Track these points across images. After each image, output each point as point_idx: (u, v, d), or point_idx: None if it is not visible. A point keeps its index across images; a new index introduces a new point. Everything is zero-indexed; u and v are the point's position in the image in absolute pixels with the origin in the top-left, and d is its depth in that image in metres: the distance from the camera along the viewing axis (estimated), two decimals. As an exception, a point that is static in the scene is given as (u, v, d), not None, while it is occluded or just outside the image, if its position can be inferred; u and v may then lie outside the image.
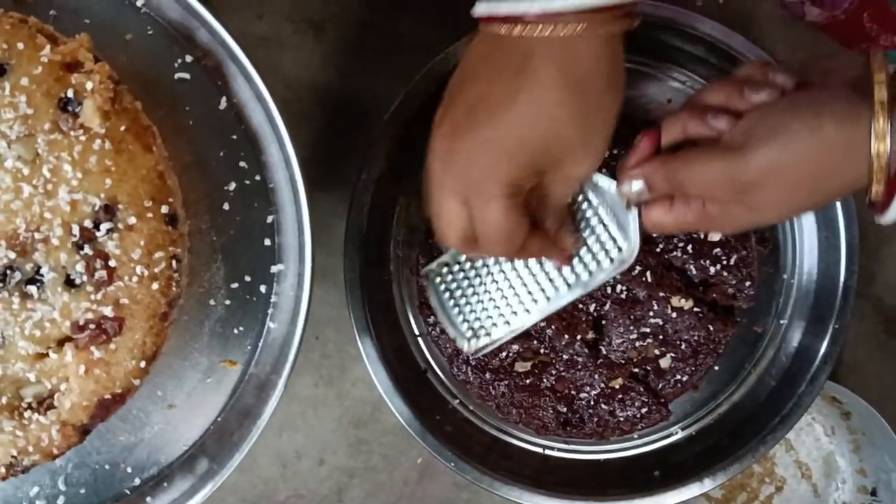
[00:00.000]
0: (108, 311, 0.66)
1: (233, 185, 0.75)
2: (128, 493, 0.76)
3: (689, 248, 0.91)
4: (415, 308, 0.95)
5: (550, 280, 0.79)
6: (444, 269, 0.85)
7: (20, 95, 0.64)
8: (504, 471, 0.92)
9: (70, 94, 0.65)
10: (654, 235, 0.89)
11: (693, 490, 0.90)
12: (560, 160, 0.67)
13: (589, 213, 0.76)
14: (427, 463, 1.01)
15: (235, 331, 0.76)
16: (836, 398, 0.98)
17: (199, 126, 0.74)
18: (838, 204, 0.88)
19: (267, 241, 0.76)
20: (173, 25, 0.74)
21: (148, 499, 0.75)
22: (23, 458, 0.67)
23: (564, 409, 0.92)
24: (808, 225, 0.92)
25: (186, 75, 0.74)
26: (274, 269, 0.76)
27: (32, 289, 0.66)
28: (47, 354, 0.67)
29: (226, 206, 0.75)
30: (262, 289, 0.76)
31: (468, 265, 0.85)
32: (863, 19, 0.95)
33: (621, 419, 0.92)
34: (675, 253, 0.90)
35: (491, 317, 0.82)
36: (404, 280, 0.95)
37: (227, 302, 0.76)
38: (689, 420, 0.95)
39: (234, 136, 0.75)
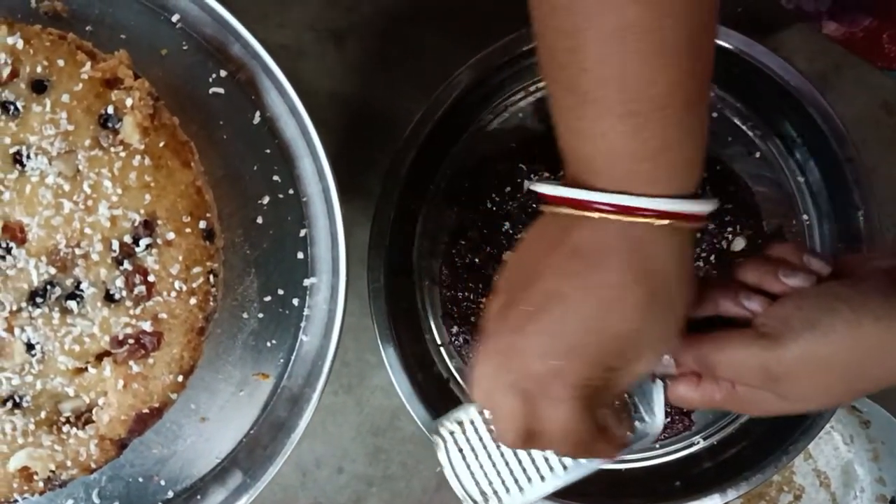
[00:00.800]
0: (146, 325, 0.67)
1: (266, 199, 0.75)
2: (161, 505, 0.76)
3: (712, 258, 0.91)
4: (437, 317, 0.95)
5: None
6: (457, 427, 0.83)
7: (61, 112, 0.65)
8: None
9: (110, 110, 0.66)
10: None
11: (715, 500, 0.90)
12: (631, 358, 0.64)
13: None
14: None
15: (268, 344, 0.76)
16: (856, 407, 0.99)
17: (232, 140, 0.75)
18: (860, 217, 0.89)
19: (300, 255, 0.76)
20: (208, 40, 0.74)
21: (182, 511, 0.76)
22: (61, 472, 0.68)
23: (586, 418, 0.92)
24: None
25: (221, 90, 0.74)
26: (307, 282, 0.76)
27: (72, 304, 0.66)
28: (86, 369, 0.67)
29: (259, 220, 0.76)
30: (295, 302, 0.76)
31: (483, 426, 0.83)
32: (882, 40, 0.96)
33: (642, 431, 0.92)
34: (698, 262, 0.90)
35: (504, 481, 0.81)
36: (426, 290, 0.96)
37: (260, 315, 0.76)
38: (711, 430, 0.96)
39: (268, 150, 0.75)
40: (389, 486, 1.04)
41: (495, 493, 0.81)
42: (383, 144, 0.97)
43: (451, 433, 0.82)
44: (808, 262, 0.66)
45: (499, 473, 0.80)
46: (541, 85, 0.96)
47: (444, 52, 0.98)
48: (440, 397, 0.94)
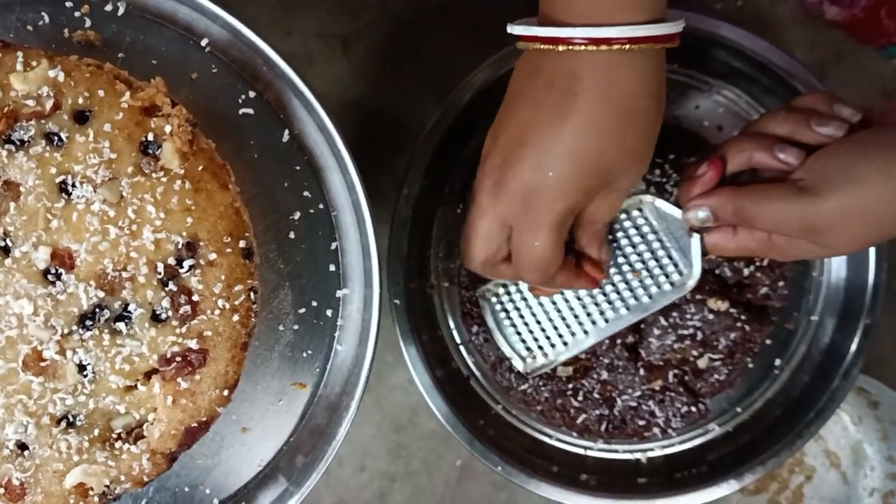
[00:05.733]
0: (193, 343, 0.69)
1: (297, 214, 0.78)
2: (208, 514, 0.78)
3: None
4: (457, 317, 0.97)
5: (610, 303, 0.81)
6: (501, 290, 0.87)
7: (103, 141, 0.67)
8: (543, 472, 0.95)
9: (150, 137, 0.68)
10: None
11: (732, 485, 0.93)
12: (611, 179, 0.68)
13: (651, 238, 0.78)
14: (466, 465, 1.04)
15: (304, 354, 0.79)
16: (864, 388, 1.01)
17: (263, 159, 0.77)
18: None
19: (332, 267, 0.78)
20: (236, 62, 0.76)
21: (230, 518, 0.78)
22: (115, 486, 0.70)
23: (606, 412, 0.95)
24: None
25: (250, 110, 0.76)
26: (339, 293, 0.78)
27: (121, 325, 0.68)
28: (136, 387, 0.69)
29: (291, 235, 0.78)
30: (329, 313, 0.78)
31: (525, 287, 0.87)
32: (880, 16, 0.98)
33: (661, 419, 0.95)
34: (708, 256, 0.92)
35: (549, 337, 0.84)
36: (445, 290, 0.98)
37: (296, 327, 0.78)
38: (726, 417, 0.98)
39: (297, 167, 0.78)
40: (411, 481, 1.06)
41: (540, 348, 0.85)
42: (394, 148, 0.99)
43: (496, 295, 0.85)
44: (839, 111, 0.68)
45: (543, 330, 0.85)
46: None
47: (451, 55, 1.00)
48: (459, 393, 0.96)
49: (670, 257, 0.79)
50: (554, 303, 0.86)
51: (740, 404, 0.99)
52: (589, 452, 0.99)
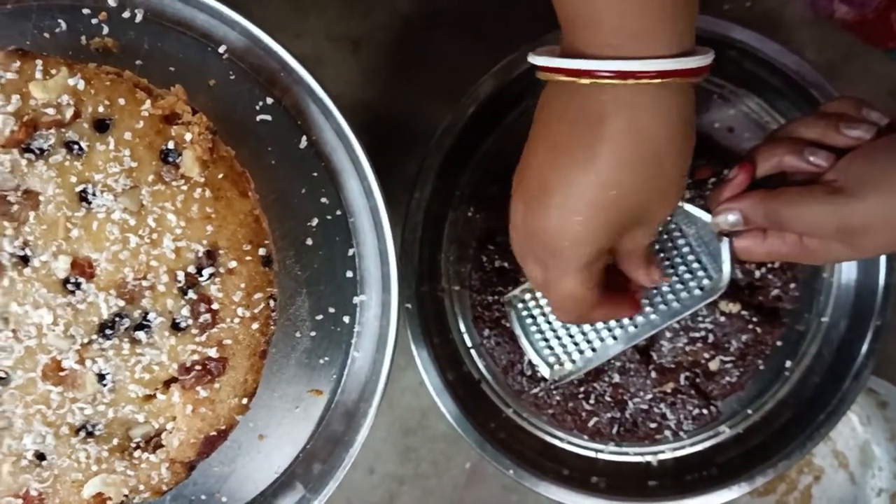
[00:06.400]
0: (212, 352, 0.69)
1: (315, 221, 0.78)
2: (224, 521, 0.78)
3: (735, 253, 0.93)
4: (468, 321, 0.97)
5: None
6: (528, 296, 0.87)
7: (124, 149, 0.66)
8: (554, 475, 0.95)
9: (170, 145, 0.67)
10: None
11: (743, 488, 0.93)
12: (641, 217, 0.66)
13: (680, 242, 0.78)
14: (475, 468, 1.04)
15: (321, 361, 0.79)
16: (873, 389, 1.01)
17: (280, 165, 0.77)
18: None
19: (349, 273, 0.78)
20: (254, 69, 0.76)
21: (244, 526, 0.78)
22: (134, 496, 0.70)
23: (618, 415, 0.95)
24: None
25: (268, 117, 0.76)
26: (356, 300, 0.78)
27: (141, 334, 0.68)
28: (154, 396, 0.69)
29: (309, 241, 0.78)
30: (346, 319, 0.78)
31: None
32: (891, 19, 0.98)
33: (672, 422, 0.95)
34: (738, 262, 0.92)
35: (577, 344, 0.84)
36: (455, 294, 0.97)
37: (313, 333, 0.78)
38: (737, 419, 0.98)
39: (315, 173, 0.77)
40: (421, 483, 1.06)
41: (568, 355, 0.84)
42: (404, 149, 0.99)
43: (522, 301, 0.85)
44: (867, 115, 0.68)
45: (571, 337, 0.84)
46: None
47: (460, 56, 1.00)
48: (470, 396, 0.96)
49: (700, 262, 0.79)
50: None
51: (751, 406, 0.99)
52: (600, 455, 0.99)
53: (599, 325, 0.84)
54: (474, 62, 0.91)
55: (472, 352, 0.99)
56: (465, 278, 0.98)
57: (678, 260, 0.80)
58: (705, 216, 0.75)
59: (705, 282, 0.79)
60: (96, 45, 0.74)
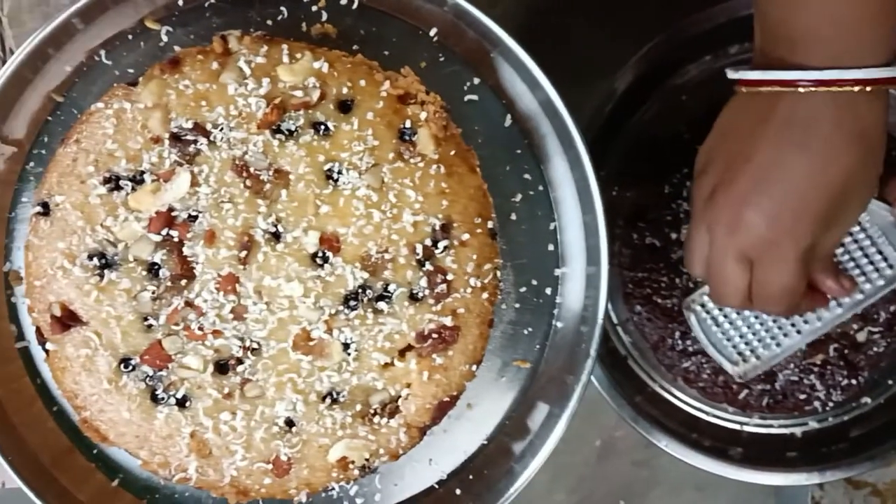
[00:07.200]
0: (447, 321, 0.72)
1: (518, 196, 0.80)
2: (436, 486, 0.82)
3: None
4: (617, 297, 0.99)
5: None
6: (706, 298, 0.89)
7: (367, 129, 0.70)
8: (696, 445, 0.97)
9: (407, 124, 0.70)
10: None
11: (888, 459, 0.95)
12: (847, 209, 0.70)
13: (860, 236, 0.81)
14: (605, 445, 1.06)
15: (525, 332, 0.82)
16: None
17: (487, 143, 0.79)
18: None
19: (550, 247, 0.81)
20: (463, 50, 0.79)
21: (457, 490, 0.81)
22: (374, 459, 0.73)
23: (768, 387, 0.97)
24: None
25: (475, 97, 0.79)
26: (557, 272, 0.81)
27: (382, 305, 0.71)
28: (393, 363, 0.72)
29: (513, 216, 0.81)
30: (548, 291, 0.81)
31: None
32: None
33: (821, 392, 0.97)
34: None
35: (761, 340, 0.87)
36: (605, 273, 0.99)
37: (517, 305, 0.81)
38: (880, 390, 1.00)
39: (518, 150, 0.80)
40: (552, 460, 1.04)
41: (753, 351, 0.86)
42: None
43: (702, 305, 0.87)
44: None
45: (755, 333, 0.86)
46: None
47: (592, 43, 1.02)
48: (615, 369, 0.99)
49: (880, 252, 0.82)
50: None
51: (891, 377, 1.00)
52: (745, 427, 1.01)
53: (783, 319, 0.86)
54: (605, 45, 0.96)
55: (619, 328, 1.01)
56: (614, 255, 1.00)
57: (858, 252, 0.82)
58: (883, 207, 0.78)
59: (887, 272, 0.82)
60: (317, 31, 0.77)
